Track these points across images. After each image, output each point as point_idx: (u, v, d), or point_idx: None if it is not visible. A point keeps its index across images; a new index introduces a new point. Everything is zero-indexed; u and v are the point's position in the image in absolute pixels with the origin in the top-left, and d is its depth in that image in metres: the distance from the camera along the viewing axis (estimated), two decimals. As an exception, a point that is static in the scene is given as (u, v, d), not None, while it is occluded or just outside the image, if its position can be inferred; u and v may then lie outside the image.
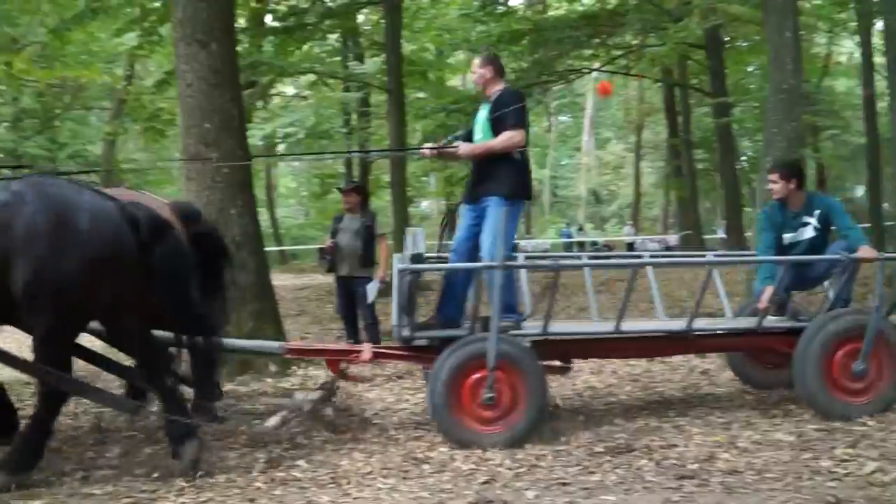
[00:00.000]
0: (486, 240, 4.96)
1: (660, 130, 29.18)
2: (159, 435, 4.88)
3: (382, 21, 14.16)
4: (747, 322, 5.31)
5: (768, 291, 5.10)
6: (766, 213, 5.59)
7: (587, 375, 6.59)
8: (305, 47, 14.02)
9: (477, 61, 5.28)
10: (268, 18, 14.49)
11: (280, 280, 13.80)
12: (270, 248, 24.35)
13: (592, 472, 4.03)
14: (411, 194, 20.51)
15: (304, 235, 31.08)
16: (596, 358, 6.16)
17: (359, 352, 5.09)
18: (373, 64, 16.37)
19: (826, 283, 5.52)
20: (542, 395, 4.63)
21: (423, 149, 5.81)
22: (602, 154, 41.98)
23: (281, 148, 18.34)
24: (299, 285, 13.99)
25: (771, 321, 5.25)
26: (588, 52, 15.05)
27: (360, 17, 15.64)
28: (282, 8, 13.78)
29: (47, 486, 4.12)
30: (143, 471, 4.38)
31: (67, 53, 17.92)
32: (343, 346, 6.33)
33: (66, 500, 3.91)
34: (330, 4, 12.29)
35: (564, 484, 3.86)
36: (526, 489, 3.81)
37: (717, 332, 5.42)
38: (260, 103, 17.41)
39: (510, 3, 15.91)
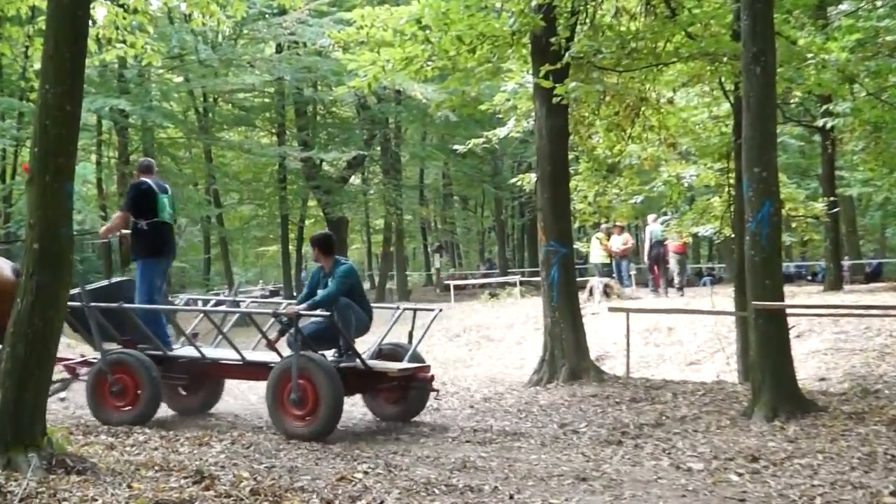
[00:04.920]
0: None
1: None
2: None
3: None
4: (236, 356, 8.52)
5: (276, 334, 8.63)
6: (312, 273, 8.85)
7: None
8: None
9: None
10: None
11: None
12: None
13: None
14: None
15: None
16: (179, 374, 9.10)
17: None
18: None
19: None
20: (151, 388, 8.36)
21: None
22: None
23: None
24: None
25: (254, 357, 8.73)
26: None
27: None
28: None
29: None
30: None
31: None
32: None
33: None
34: None
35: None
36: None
37: (226, 362, 8.74)
38: None
39: None
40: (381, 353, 8.94)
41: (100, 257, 28.84)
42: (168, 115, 27.95)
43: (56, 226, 5.38)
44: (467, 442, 7.66)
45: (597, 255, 22.04)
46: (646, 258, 21.49)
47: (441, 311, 9.80)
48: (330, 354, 8.35)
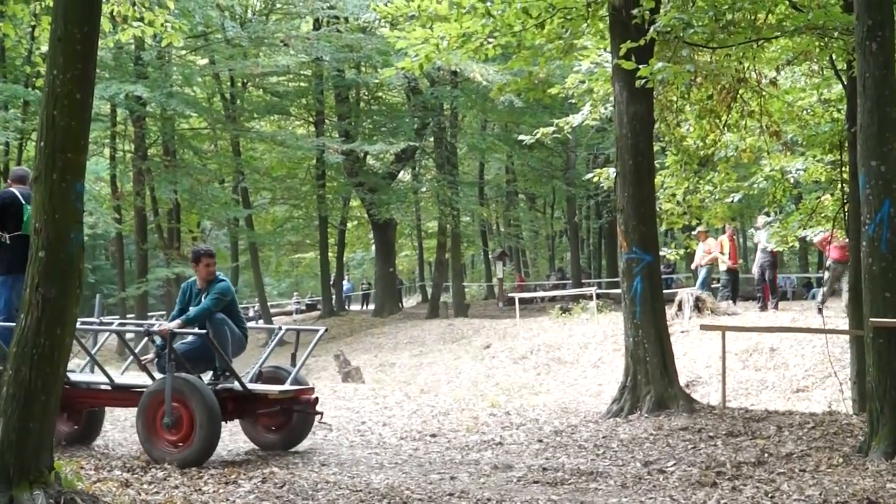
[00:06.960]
0: None
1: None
2: None
3: None
4: (105, 380, 9.10)
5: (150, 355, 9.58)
6: (183, 288, 9.67)
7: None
8: None
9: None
10: None
11: None
12: None
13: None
14: None
15: None
16: None
17: None
18: None
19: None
20: None
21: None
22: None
23: None
24: None
25: (125, 380, 9.57)
26: None
27: None
28: None
29: None
30: None
31: None
32: None
33: None
34: None
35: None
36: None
37: (94, 387, 9.35)
38: None
39: None
40: (261, 377, 9.56)
41: (114, 266, 29.32)
42: (191, 102, 28.48)
43: (65, 231, 5.53)
44: (535, 482, 7.66)
45: (722, 263, 21.76)
46: (755, 269, 21.24)
47: (327, 330, 10.93)
48: (207, 378, 8.94)
